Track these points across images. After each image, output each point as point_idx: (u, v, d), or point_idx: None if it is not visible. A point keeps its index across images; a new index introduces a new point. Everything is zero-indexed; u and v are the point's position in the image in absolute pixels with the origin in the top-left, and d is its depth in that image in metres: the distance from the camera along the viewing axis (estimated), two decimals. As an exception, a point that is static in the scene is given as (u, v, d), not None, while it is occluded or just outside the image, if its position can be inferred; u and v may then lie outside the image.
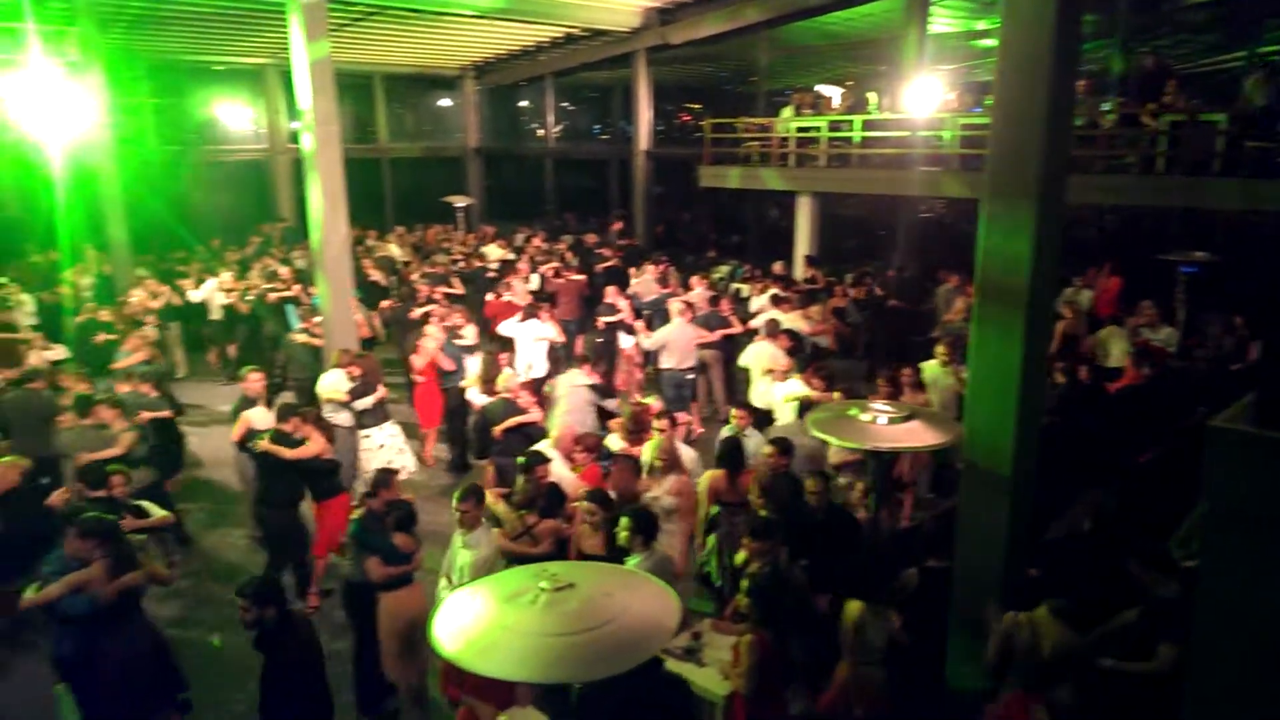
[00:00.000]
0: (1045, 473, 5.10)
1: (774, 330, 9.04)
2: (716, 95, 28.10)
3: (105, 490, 5.69)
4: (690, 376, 9.99)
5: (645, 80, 18.67)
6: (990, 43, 17.44)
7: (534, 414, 7.85)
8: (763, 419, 7.81)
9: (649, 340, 9.91)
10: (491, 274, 13.91)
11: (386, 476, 5.71)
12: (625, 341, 10.31)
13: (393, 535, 5.35)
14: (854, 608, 4.74)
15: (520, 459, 6.05)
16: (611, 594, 3.41)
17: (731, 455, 6.22)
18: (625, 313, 11.06)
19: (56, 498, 5.87)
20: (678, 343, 9.76)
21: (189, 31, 16.11)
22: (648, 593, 3.57)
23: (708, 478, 6.22)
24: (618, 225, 18.59)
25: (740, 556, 5.25)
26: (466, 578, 5.07)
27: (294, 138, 19.88)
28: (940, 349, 8.25)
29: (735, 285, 13.98)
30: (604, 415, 8.27)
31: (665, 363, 9.86)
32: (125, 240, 13.18)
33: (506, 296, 11.74)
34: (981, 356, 4.86)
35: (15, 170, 16.52)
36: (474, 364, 8.78)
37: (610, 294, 11.53)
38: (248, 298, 12.07)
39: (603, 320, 11.02)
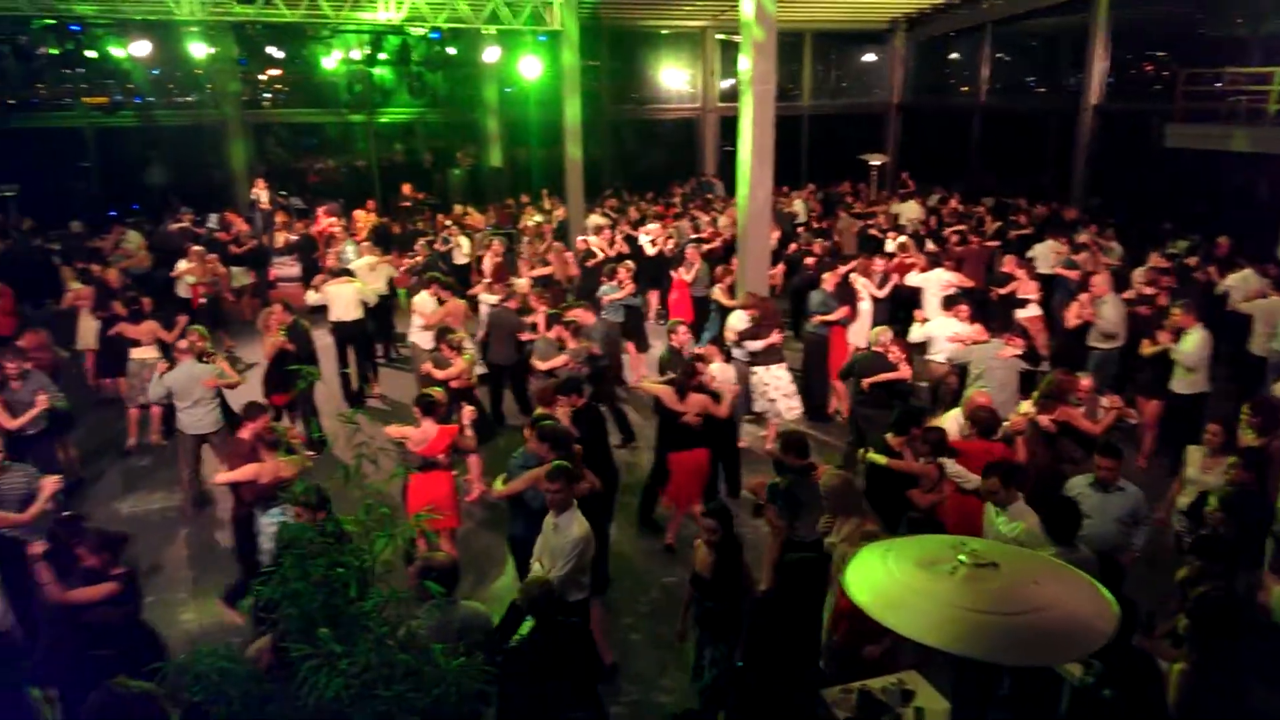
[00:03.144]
0: None
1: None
2: (1188, 41, 23.93)
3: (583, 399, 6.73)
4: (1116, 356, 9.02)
5: (1103, 26, 16.59)
6: None
7: (903, 370, 7.80)
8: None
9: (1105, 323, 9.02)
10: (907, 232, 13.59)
11: (796, 439, 5.91)
12: (1028, 311, 9.77)
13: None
14: None
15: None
16: (1040, 583, 3.23)
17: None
18: (1023, 282, 10.26)
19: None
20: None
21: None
22: (1080, 590, 3.32)
23: None
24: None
25: (1182, 572, 4.62)
26: (558, 562, 4.88)
27: (725, 97, 21.05)
28: None
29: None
30: (1028, 386, 7.74)
31: (1091, 339, 9.02)
32: (580, 189, 14.97)
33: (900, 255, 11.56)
34: None
35: (504, 126, 19.65)
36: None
37: (1008, 263, 10.78)
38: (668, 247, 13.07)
39: (996, 291, 10.44)
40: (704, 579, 4.87)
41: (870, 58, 24.20)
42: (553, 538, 5.02)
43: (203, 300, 11.33)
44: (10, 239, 14.06)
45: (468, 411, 6.75)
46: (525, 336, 9.07)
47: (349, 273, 10.59)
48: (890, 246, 12.37)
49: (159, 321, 9.15)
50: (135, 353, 8.86)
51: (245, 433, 6.25)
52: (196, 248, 11.83)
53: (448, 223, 14.65)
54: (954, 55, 24.40)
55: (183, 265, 11.45)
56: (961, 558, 3.30)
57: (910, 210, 15.61)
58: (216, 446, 7.79)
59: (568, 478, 5.01)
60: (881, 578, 3.33)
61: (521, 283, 10.53)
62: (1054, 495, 5.46)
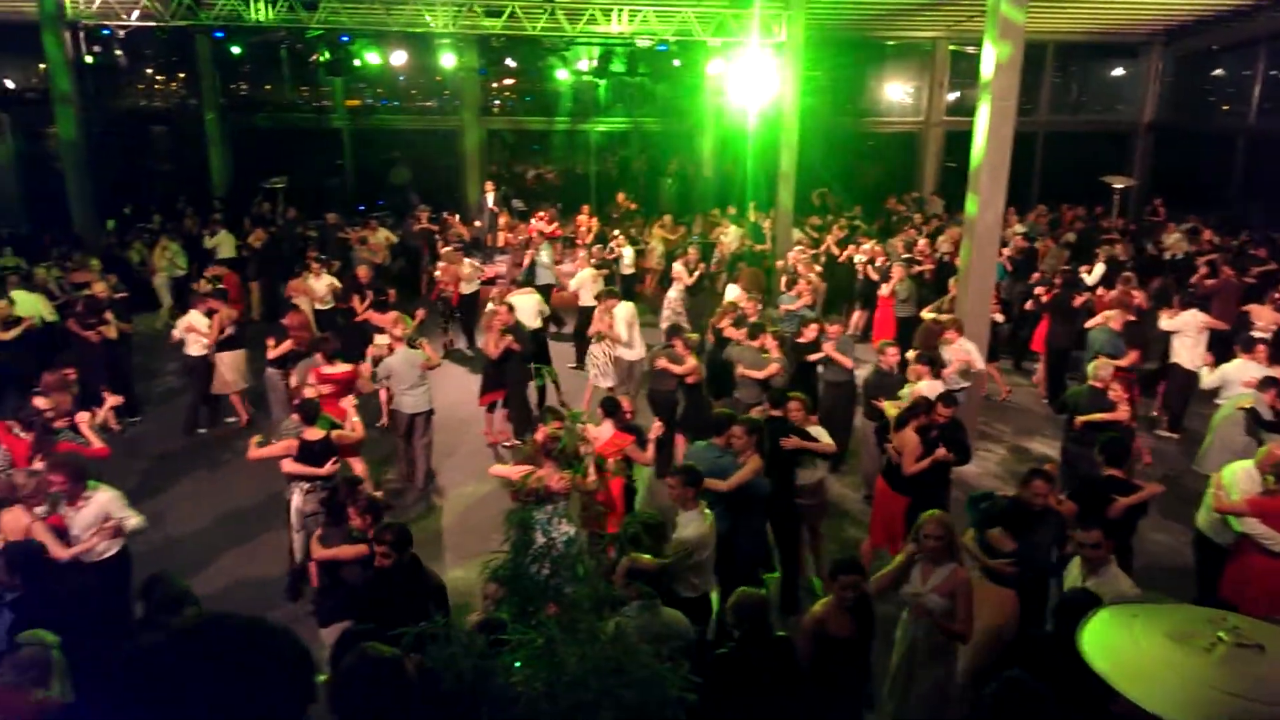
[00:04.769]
0: None
1: None
2: None
3: (781, 411, 6.71)
4: None
5: None
6: None
7: (1122, 410, 7.32)
8: None
9: None
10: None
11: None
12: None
13: None
14: None
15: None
16: (1321, 676, 2.84)
17: None
18: (1259, 311, 9.33)
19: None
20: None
21: (881, 11, 17.22)
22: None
23: None
24: None
25: None
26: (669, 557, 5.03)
27: (950, 111, 20.14)
28: None
29: None
30: None
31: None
32: (790, 203, 14.81)
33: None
34: None
35: (717, 138, 19.84)
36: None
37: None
38: (876, 265, 12.61)
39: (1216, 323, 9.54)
40: (847, 640, 4.48)
41: (1118, 72, 22.34)
42: (680, 534, 5.29)
43: (444, 294, 12.36)
44: (276, 226, 15.80)
45: (656, 427, 6.94)
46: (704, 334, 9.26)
47: (531, 282, 11.19)
48: (1090, 279, 11.49)
49: (402, 312, 9.92)
50: (379, 339, 9.72)
51: (539, 434, 6.48)
52: (446, 249, 12.88)
53: (615, 232, 14.97)
54: (1218, 71, 22.09)
55: (442, 265, 12.63)
56: (1221, 634, 2.97)
57: (1175, 243, 14.25)
58: (421, 428, 8.49)
59: (685, 478, 5.25)
60: (1126, 646, 3.06)
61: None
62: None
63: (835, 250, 13.51)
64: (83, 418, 6.67)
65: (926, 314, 10.09)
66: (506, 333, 9.00)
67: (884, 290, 11.45)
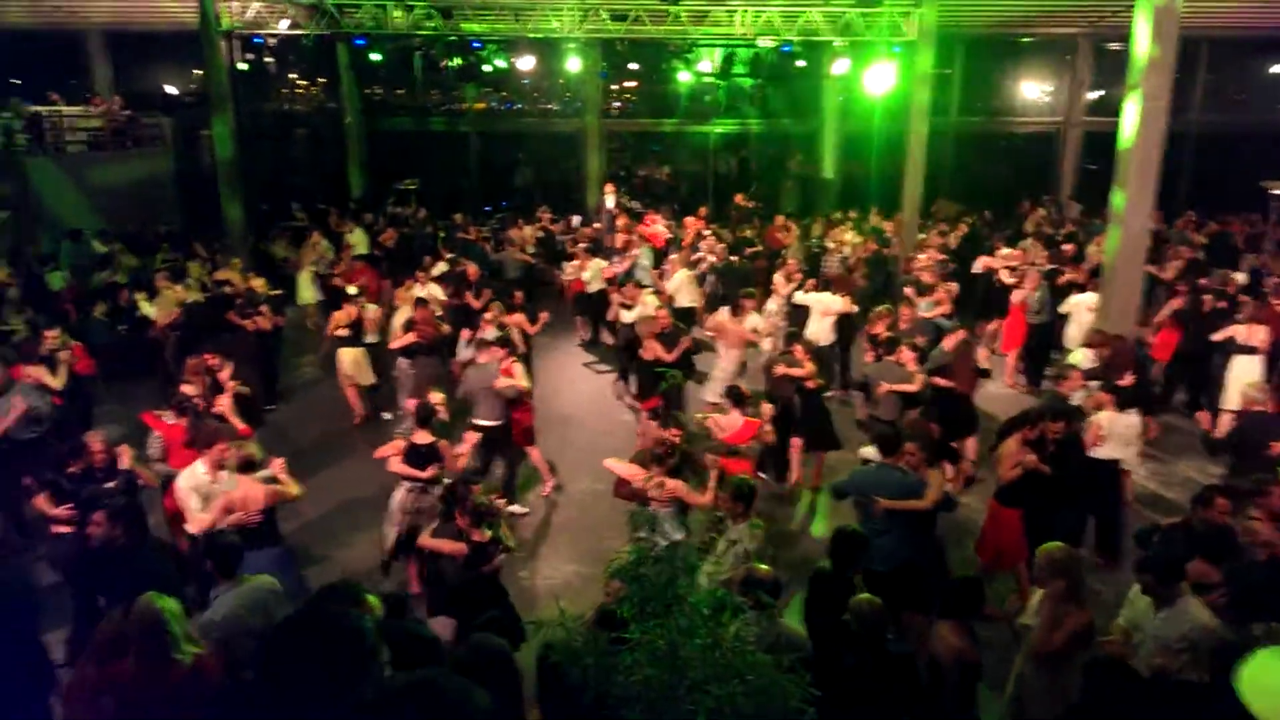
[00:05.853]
0: None
1: None
2: None
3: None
4: None
5: None
6: None
7: None
8: None
9: None
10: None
11: None
12: None
13: None
14: None
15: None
16: None
17: None
18: None
19: None
20: None
21: (1020, 7, 16.49)
22: None
23: None
24: None
25: None
26: (724, 566, 5.15)
27: (1091, 110, 19.09)
28: None
29: None
30: None
31: None
32: (916, 205, 14.34)
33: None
34: None
35: (840, 138, 19.45)
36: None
37: None
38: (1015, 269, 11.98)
39: None
40: (976, 664, 4.31)
41: (1278, 68, 20.65)
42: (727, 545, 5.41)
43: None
44: (408, 225, 16.43)
45: (766, 409, 7.09)
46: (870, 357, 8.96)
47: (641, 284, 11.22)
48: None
49: (526, 315, 10.02)
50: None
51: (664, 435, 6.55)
52: (577, 247, 13.18)
53: (705, 232, 14.69)
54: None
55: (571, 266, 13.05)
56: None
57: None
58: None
59: (735, 493, 5.26)
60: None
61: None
62: None
63: (937, 255, 13.02)
64: (222, 401, 7.12)
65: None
66: (676, 335, 9.11)
67: (1016, 297, 10.88)
